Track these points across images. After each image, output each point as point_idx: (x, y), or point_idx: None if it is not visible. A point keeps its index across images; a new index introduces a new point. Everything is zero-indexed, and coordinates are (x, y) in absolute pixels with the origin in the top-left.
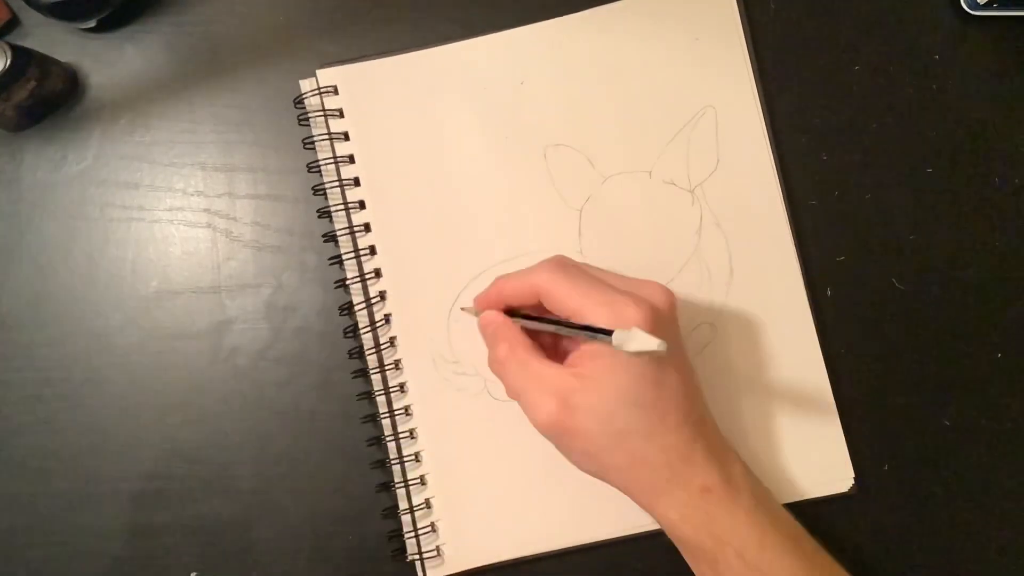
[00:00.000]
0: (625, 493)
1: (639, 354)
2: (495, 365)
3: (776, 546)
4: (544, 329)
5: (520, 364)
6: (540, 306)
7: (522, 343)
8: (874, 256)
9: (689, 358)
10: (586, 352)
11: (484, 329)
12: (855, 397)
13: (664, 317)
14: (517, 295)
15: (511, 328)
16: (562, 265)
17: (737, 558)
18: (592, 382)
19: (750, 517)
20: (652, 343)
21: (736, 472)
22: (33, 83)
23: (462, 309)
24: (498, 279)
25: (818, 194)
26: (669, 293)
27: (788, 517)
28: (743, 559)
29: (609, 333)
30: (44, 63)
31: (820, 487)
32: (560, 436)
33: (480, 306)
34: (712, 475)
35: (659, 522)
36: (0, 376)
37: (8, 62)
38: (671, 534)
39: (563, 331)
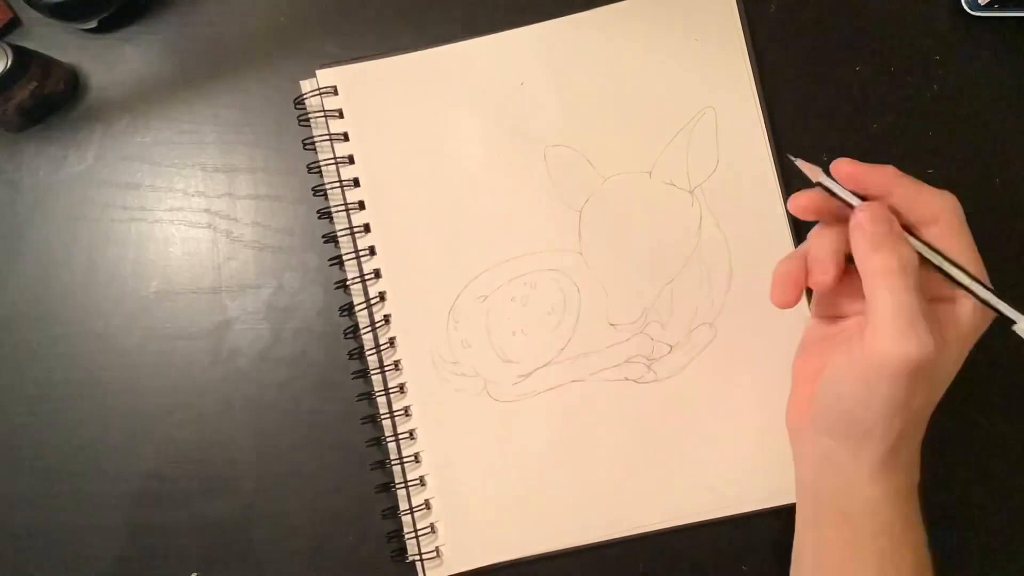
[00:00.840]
0: (856, 455)
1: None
2: (894, 266)
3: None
4: (952, 275)
5: (917, 283)
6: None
7: (915, 264)
8: None
9: None
10: (956, 313)
11: (873, 224)
12: None
13: None
14: (907, 202)
15: (907, 245)
16: (961, 208)
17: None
18: (956, 341)
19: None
20: None
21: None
22: (34, 84)
23: (791, 158)
24: (894, 171)
25: None
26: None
27: None
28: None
29: (1014, 319)
30: (45, 64)
31: None
32: (913, 379)
33: (858, 182)
34: (917, 473)
35: (860, 495)
36: (0, 376)
37: (9, 63)
38: (857, 493)
39: (960, 281)
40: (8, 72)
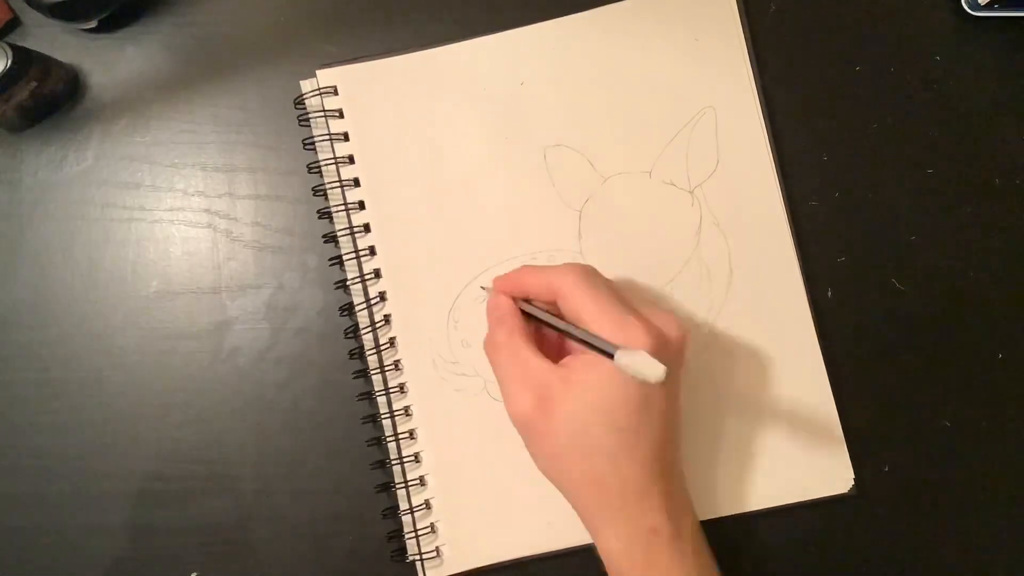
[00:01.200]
0: (574, 507)
1: (635, 377)
2: (489, 347)
3: None
4: (550, 325)
5: (512, 351)
6: (555, 305)
7: (521, 332)
8: (874, 256)
9: (680, 405)
10: (582, 359)
11: (491, 310)
12: (855, 397)
13: (672, 350)
14: (536, 288)
15: (516, 316)
16: (588, 274)
17: None
18: (577, 389)
19: (689, 568)
20: (652, 369)
21: (686, 525)
22: (34, 83)
23: (481, 287)
24: (523, 267)
25: (818, 194)
26: (684, 329)
27: None
28: None
29: (612, 352)
30: (45, 63)
31: (820, 487)
32: (528, 432)
33: (497, 287)
34: (663, 520)
35: (598, 547)
36: (0, 376)
37: (9, 63)
38: (607, 561)
39: (568, 335)
40: (8, 72)
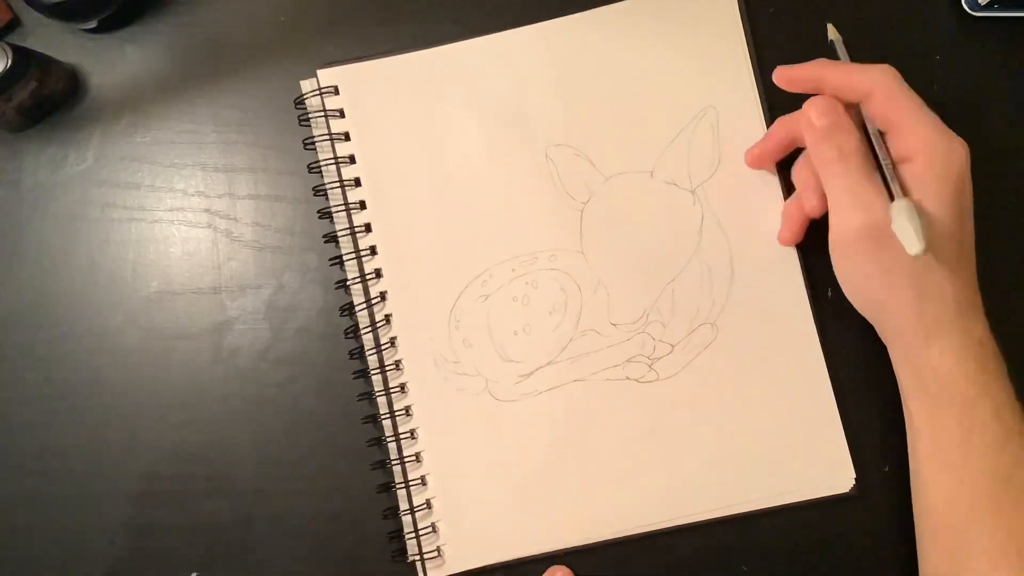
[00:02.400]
0: (892, 329)
1: (899, 232)
2: (836, 156)
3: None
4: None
5: (863, 164)
6: (853, 108)
7: (861, 149)
8: None
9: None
10: (906, 173)
11: (821, 116)
12: (855, 397)
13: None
14: (841, 85)
15: (853, 128)
16: (901, 78)
17: (994, 415)
18: (919, 199)
19: (1008, 382)
20: (915, 239)
21: (995, 343)
22: (34, 83)
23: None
24: (820, 62)
25: None
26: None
27: None
28: (999, 417)
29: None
30: (45, 63)
31: (820, 487)
32: (869, 244)
33: (787, 77)
34: (986, 329)
35: (919, 364)
36: (0, 376)
37: (9, 63)
38: (928, 376)
39: (885, 166)
40: (8, 72)
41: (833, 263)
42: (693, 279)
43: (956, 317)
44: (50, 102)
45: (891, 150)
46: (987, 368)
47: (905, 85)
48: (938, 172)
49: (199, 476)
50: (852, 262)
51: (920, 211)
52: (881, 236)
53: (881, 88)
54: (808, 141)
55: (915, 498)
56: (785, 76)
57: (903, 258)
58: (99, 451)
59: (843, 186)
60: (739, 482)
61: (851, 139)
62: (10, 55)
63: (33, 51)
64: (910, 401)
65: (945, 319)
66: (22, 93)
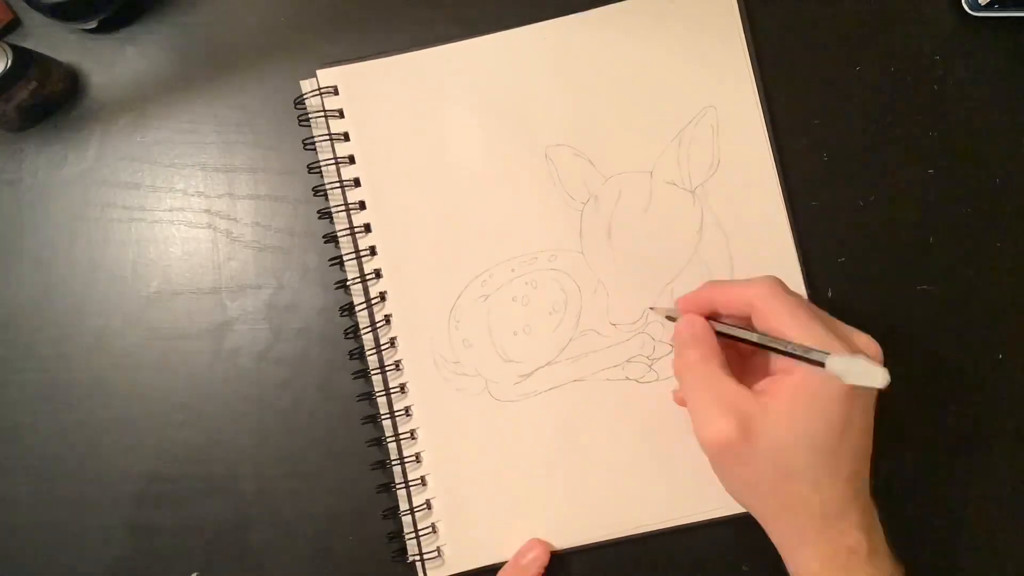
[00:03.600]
0: (768, 530)
1: (854, 384)
2: (681, 368)
3: None
4: (748, 341)
5: (706, 374)
6: (747, 321)
7: (716, 354)
8: (875, 257)
9: (873, 421)
10: (781, 382)
11: (682, 331)
12: None
13: None
14: (728, 304)
15: (711, 336)
16: (783, 286)
17: None
18: (780, 414)
19: None
20: (874, 374)
21: (879, 539)
22: (34, 84)
23: (651, 309)
24: (710, 284)
25: (818, 194)
26: (879, 347)
27: None
28: None
29: (823, 360)
30: (45, 64)
31: None
32: (724, 459)
33: (684, 307)
34: (861, 537)
35: (794, 568)
36: (1, 376)
37: (9, 63)
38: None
39: (772, 348)
40: (8, 72)
41: None
42: (693, 279)
43: (823, 528)
44: (50, 102)
45: (772, 361)
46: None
47: (784, 296)
48: (813, 388)
49: (199, 476)
50: (719, 472)
51: (819, 394)
52: (733, 450)
53: (759, 302)
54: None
55: None
56: (683, 303)
57: (762, 471)
58: (99, 451)
59: (692, 399)
60: None
61: (695, 352)
62: (10, 55)
63: (33, 51)
64: None
65: (810, 529)
66: (22, 93)
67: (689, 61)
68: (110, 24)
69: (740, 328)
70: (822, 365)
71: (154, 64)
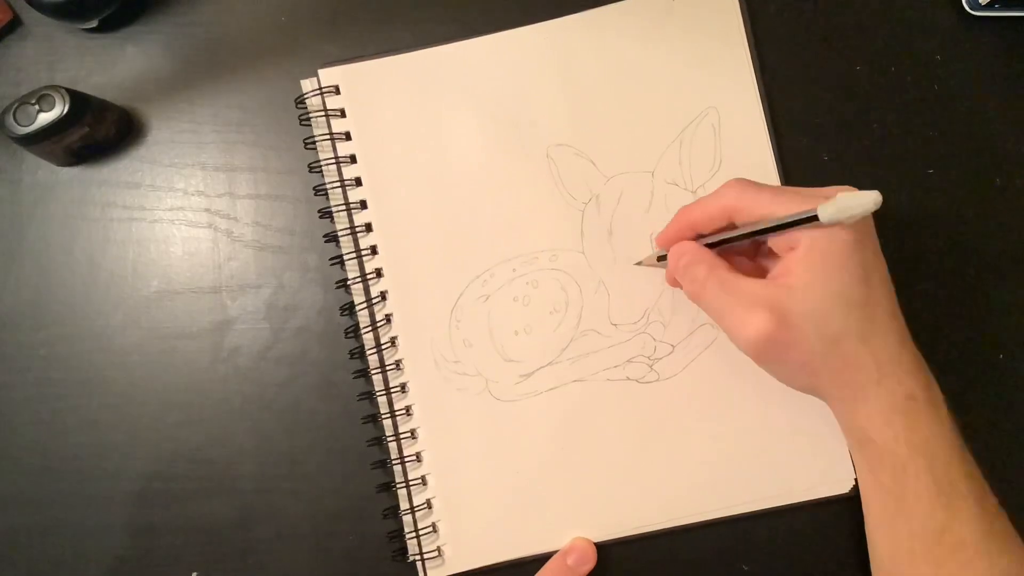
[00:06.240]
0: (829, 400)
1: (850, 218)
2: (695, 288)
3: (961, 466)
4: (741, 240)
5: (721, 283)
6: (729, 228)
7: (720, 262)
8: None
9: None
10: (791, 259)
11: (677, 261)
12: None
13: None
14: (706, 219)
15: (706, 251)
16: (746, 180)
17: (927, 471)
18: (803, 289)
19: (946, 433)
20: (864, 199)
21: (933, 383)
22: (86, 129)
23: (638, 264)
24: (681, 210)
25: None
26: (853, 187)
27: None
28: (932, 473)
29: (815, 214)
30: (100, 109)
31: (820, 488)
32: (772, 350)
33: (664, 241)
34: (918, 382)
35: (852, 427)
36: (0, 376)
37: (66, 109)
38: (861, 438)
39: (765, 231)
40: (63, 118)
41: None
42: None
43: (880, 379)
44: (99, 146)
45: (773, 247)
46: (918, 424)
47: (756, 186)
48: (822, 248)
49: (199, 476)
50: (770, 368)
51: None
52: (776, 339)
53: (736, 201)
54: (683, 284)
55: (868, 545)
56: (663, 240)
57: (809, 346)
58: (99, 451)
59: (717, 310)
60: (739, 482)
61: (701, 267)
62: (67, 101)
63: (92, 97)
64: (853, 457)
65: (868, 384)
66: (72, 137)
67: (690, 61)
68: (110, 24)
69: (727, 237)
70: (817, 219)
71: (154, 64)
